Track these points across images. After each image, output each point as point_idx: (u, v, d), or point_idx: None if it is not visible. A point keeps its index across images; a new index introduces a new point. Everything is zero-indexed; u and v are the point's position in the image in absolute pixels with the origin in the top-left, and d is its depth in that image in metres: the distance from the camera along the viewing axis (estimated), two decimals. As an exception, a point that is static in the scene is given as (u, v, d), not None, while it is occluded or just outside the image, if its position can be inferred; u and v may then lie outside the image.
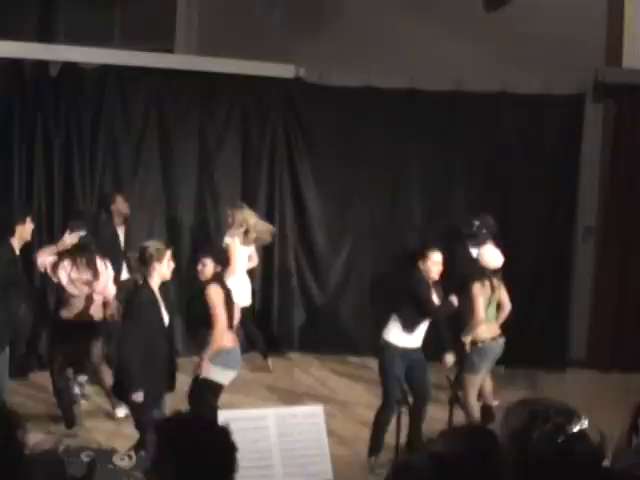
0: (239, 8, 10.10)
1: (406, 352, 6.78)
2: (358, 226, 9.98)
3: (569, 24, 9.20)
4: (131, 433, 6.71)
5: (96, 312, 7.38)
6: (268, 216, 9.82)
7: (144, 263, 6.19)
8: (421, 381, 6.88)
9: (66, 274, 7.20)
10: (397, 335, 6.77)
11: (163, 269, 6.22)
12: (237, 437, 2.73)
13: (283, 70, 9.72)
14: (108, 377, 7.46)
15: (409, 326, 6.76)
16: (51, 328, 7.74)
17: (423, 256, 6.85)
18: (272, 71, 9.65)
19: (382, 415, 6.70)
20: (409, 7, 9.65)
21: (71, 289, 7.22)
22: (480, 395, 7.37)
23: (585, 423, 2.42)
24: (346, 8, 9.83)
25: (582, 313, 9.71)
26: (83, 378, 7.99)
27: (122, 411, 7.41)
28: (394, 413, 6.44)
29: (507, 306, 7.32)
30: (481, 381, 7.31)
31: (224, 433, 2.68)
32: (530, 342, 9.19)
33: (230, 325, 6.73)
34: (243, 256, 8.74)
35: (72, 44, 9.24)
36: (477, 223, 8.48)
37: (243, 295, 8.53)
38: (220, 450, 2.64)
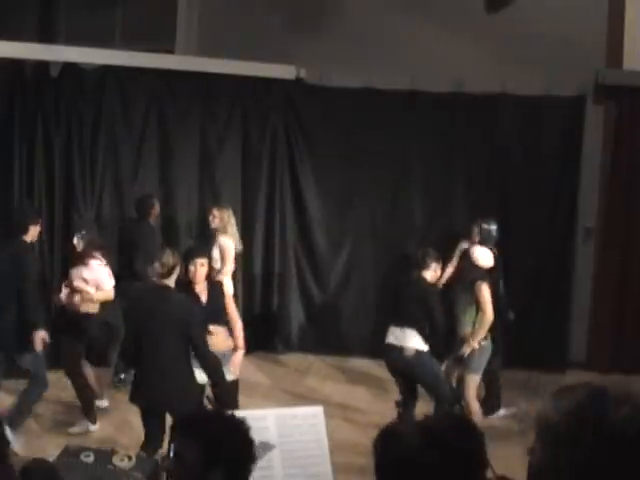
0: (239, 9, 10.10)
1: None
2: (359, 227, 9.97)
3: (570, 26, 9.20)
4: (131, 434, 6.70)
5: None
6: (268, 217, 9.81)
7: (168, 271, 6.01)
8: None
9: (103, 264, 7.36)
10: (420, 341, 6.93)
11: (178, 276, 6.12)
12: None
13: (284, 71, 9.72)
14: (89, 370, 7.56)
15: (426, 338, 6.94)
16: (72, 323, 7.72)
17: (445, 263, 6.96)
18: (273, 72, 9.65)
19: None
20: (409, 8, 9.65)
21: (106, 279, 7.37)
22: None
23: None
24: (346, 9, 9.83)
25: (582, 315, 9.70)
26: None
27: (105, 402, 7.73)
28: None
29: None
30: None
31: (243, 427, 2.83)
32: (530, 343, 9.20)
33: None
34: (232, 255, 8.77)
35: (73, 44, 9.26)
36: (493, 227, 8.36)
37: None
38: (239, 443, 2.79)
